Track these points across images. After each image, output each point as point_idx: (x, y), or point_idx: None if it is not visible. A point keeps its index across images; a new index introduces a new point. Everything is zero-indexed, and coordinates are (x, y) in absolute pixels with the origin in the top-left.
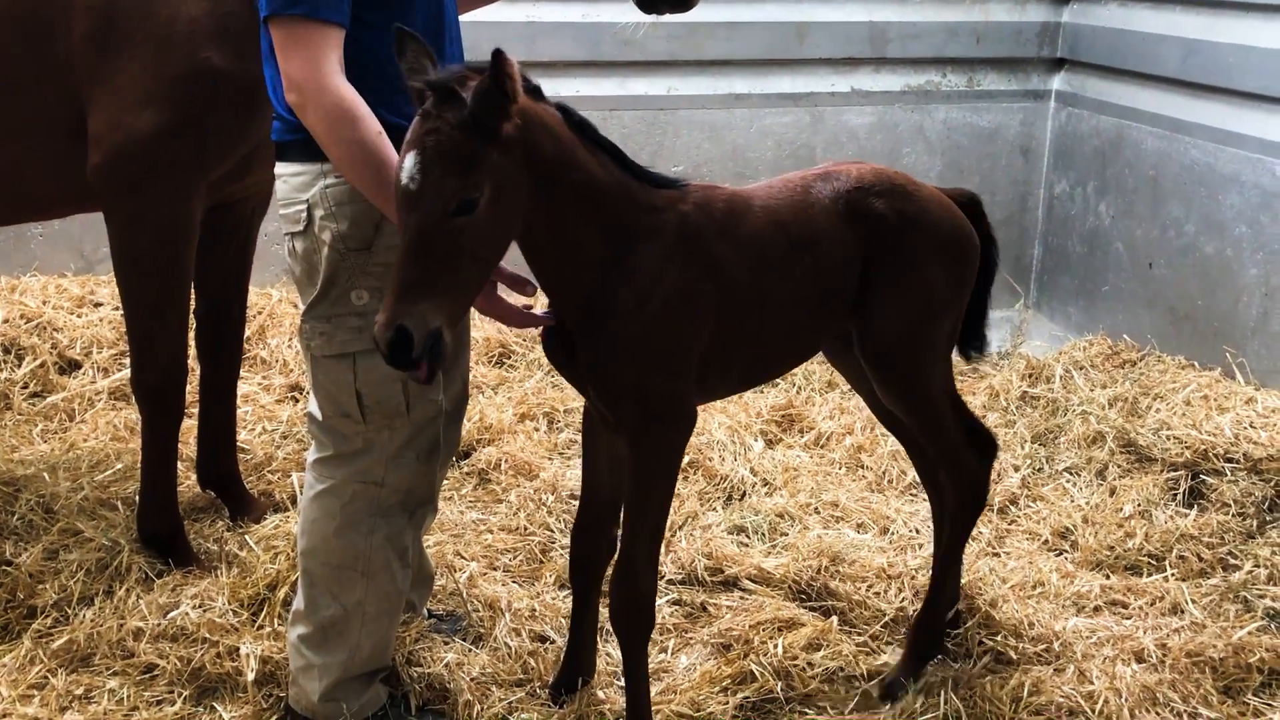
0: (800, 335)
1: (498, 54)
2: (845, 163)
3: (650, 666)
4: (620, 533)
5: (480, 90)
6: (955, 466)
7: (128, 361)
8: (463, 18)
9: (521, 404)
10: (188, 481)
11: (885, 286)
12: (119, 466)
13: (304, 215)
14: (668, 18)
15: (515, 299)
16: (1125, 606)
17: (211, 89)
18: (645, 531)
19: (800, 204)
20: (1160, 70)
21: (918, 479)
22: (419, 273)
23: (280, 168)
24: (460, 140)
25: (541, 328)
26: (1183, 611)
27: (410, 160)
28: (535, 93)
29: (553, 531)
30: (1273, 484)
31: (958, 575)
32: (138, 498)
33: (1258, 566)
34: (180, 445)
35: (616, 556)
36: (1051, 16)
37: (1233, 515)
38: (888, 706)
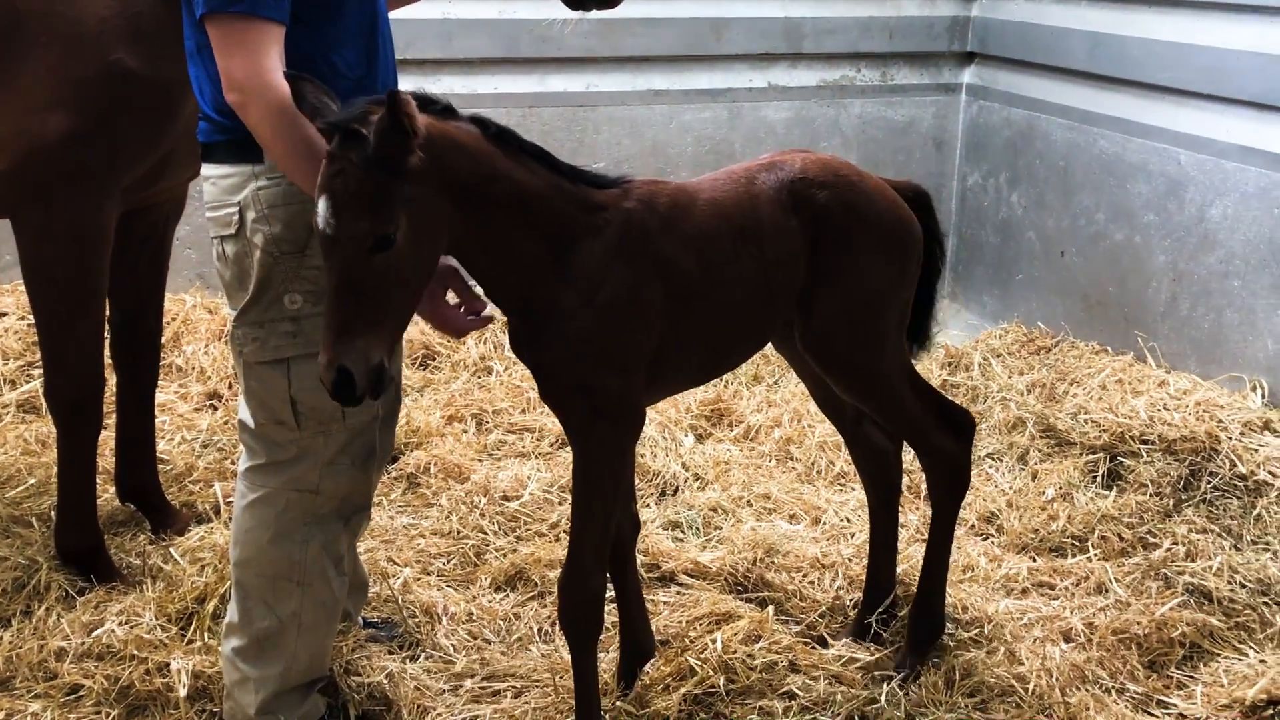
0: (751, 326)
1: (393, 94)
2: (791, 151)
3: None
4: (569, 530)
5: (379, 130)
6: (927, 450)
7: (36, 373)
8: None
9: (449, 406)
10: (106, 494)
11: (827, 277)
12: (32, 481)
13: (235, 218)
14: (594, 14)
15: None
16: (1052, 588)
17: (123, 91)
18: (592, 531)
19: (745, 195)
20: (1068, 63)
21: (846, 469)
22: (350, 312)
23: (208, 170)
24: (367, 179)
25: (508, 323)
26: (1107, 590)
27: (322, 205)
28: (447, 112)
29: (486, 534)
30: (1187, 463)
31: (947, 560)
32: (54, 513)
33: (1176, 544)
34: (97, 457)
35: (566, 556)
36: (961, 11)
37: (1150, 495)
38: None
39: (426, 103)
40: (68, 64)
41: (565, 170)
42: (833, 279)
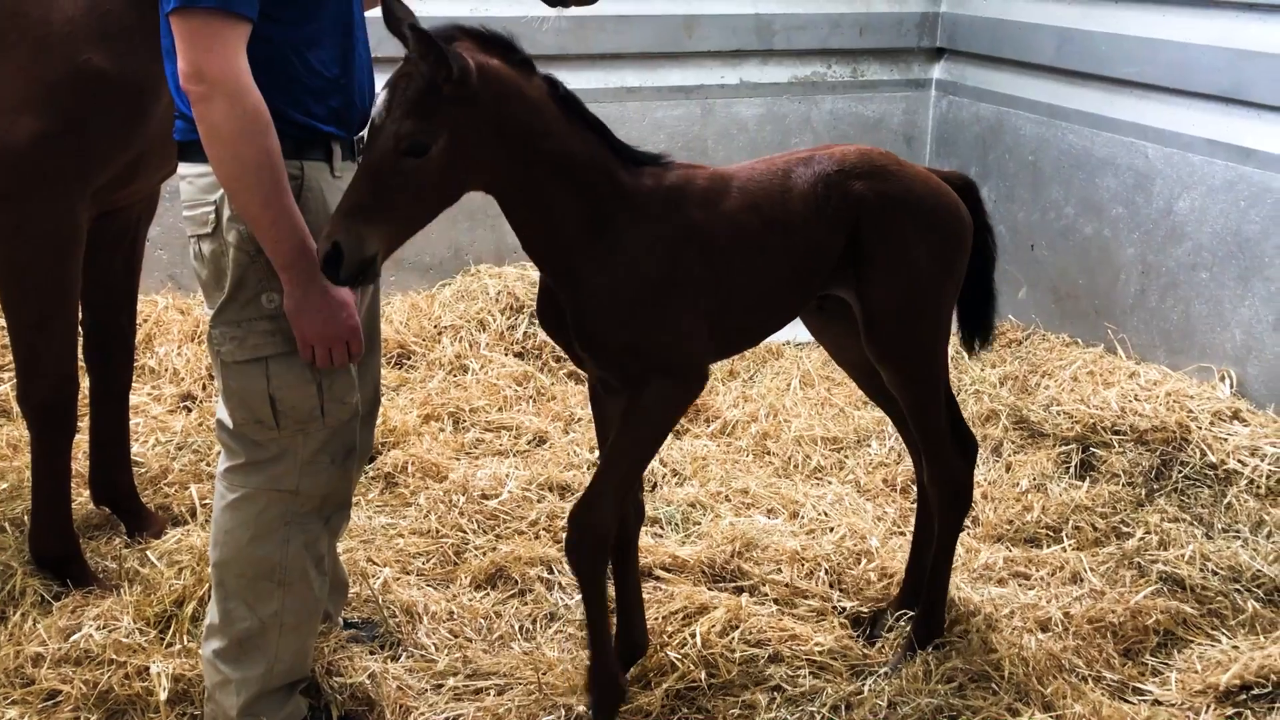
0: (774, 311)
1: (434, 32)
2: (834, 146)
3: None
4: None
5: (424, 54)
6: (940, 464)
7: (7, 376)
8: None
9: (425, 405)
10: (80, 498)
11: (873, 268)
12: (4, 486)
13: (212, 216)
14: (573, 11)
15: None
16: (1028, 578)
17: (93, 92)
18: (619, 470)
19: (778, 187)
20: (1037, 58)
21: (822, 463)
22: (365, 198)
23: (184, 168)
24: (424, 88)
25: (538, 293)
26: (1082, 580)
27: (382, 96)
28: (525, 64)
29: (465, 532)
30: (1158, 453)
31: (949, 572)
32: (29, 518)
33: (1149, 533)
34: (71, 461)
35: (584, 489)
36: (930, 7)
37: (1123, 485)
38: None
39: (508, 49)
40: (36, 65)
41: (616, 145)
42: (877, 267)
